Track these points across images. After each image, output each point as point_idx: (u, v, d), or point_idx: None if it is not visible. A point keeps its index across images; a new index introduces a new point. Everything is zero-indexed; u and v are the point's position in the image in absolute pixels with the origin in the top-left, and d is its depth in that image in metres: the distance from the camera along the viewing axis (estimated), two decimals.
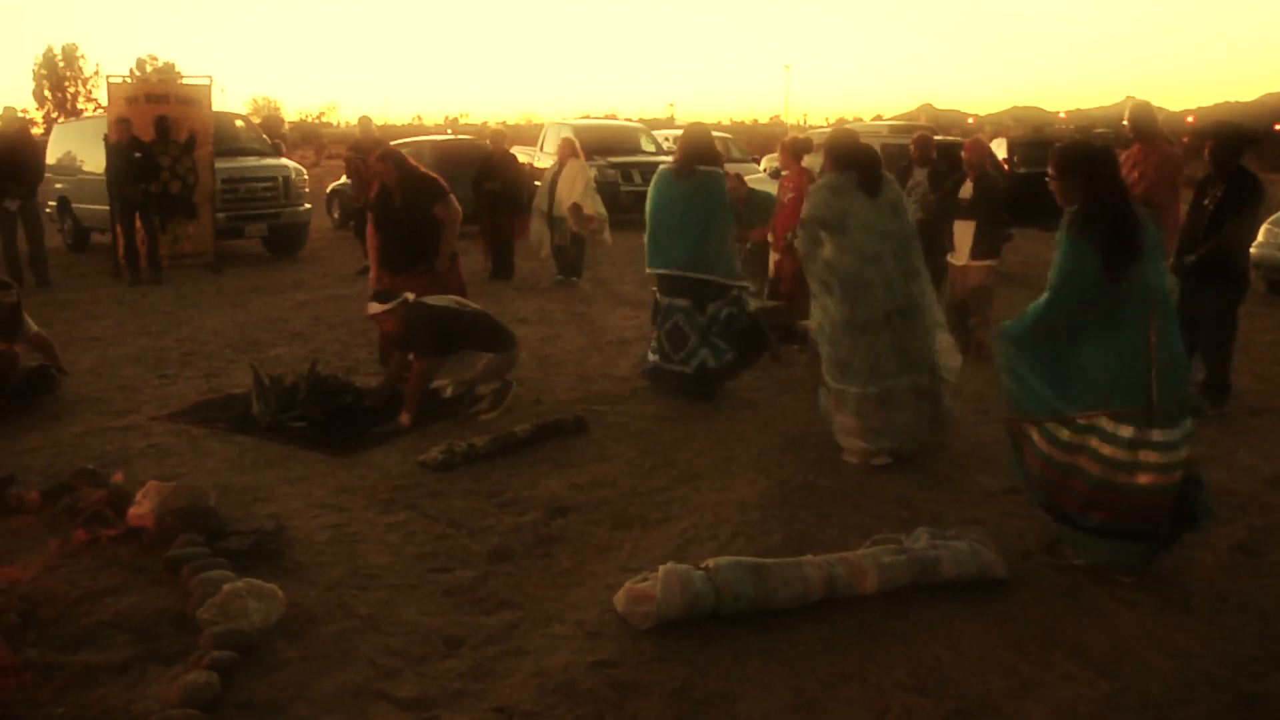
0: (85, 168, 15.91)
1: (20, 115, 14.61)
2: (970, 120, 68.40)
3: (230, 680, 3.71)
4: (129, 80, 16.28)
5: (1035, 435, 4.80)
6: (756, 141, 40.01)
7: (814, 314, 6.51)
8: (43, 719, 3.51)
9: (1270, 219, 12.65)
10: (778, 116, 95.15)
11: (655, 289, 7.84)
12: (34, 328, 7.92)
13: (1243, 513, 5.62)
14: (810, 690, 3.78)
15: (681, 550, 4.90)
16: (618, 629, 4.20)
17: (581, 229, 13.10)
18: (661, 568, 4.30)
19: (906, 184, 9.94)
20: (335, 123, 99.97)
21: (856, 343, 6.23)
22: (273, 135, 19.35)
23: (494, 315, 7.50)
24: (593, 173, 14.20)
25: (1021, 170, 17.46)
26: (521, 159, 16.09)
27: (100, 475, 5.73)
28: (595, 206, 13.03)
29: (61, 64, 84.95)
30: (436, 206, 7.84)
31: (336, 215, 19.91)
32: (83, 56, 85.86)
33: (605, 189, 15.45)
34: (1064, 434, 4.72)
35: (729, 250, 7.72)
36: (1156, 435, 4.57)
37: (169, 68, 71.43)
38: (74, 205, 16.36)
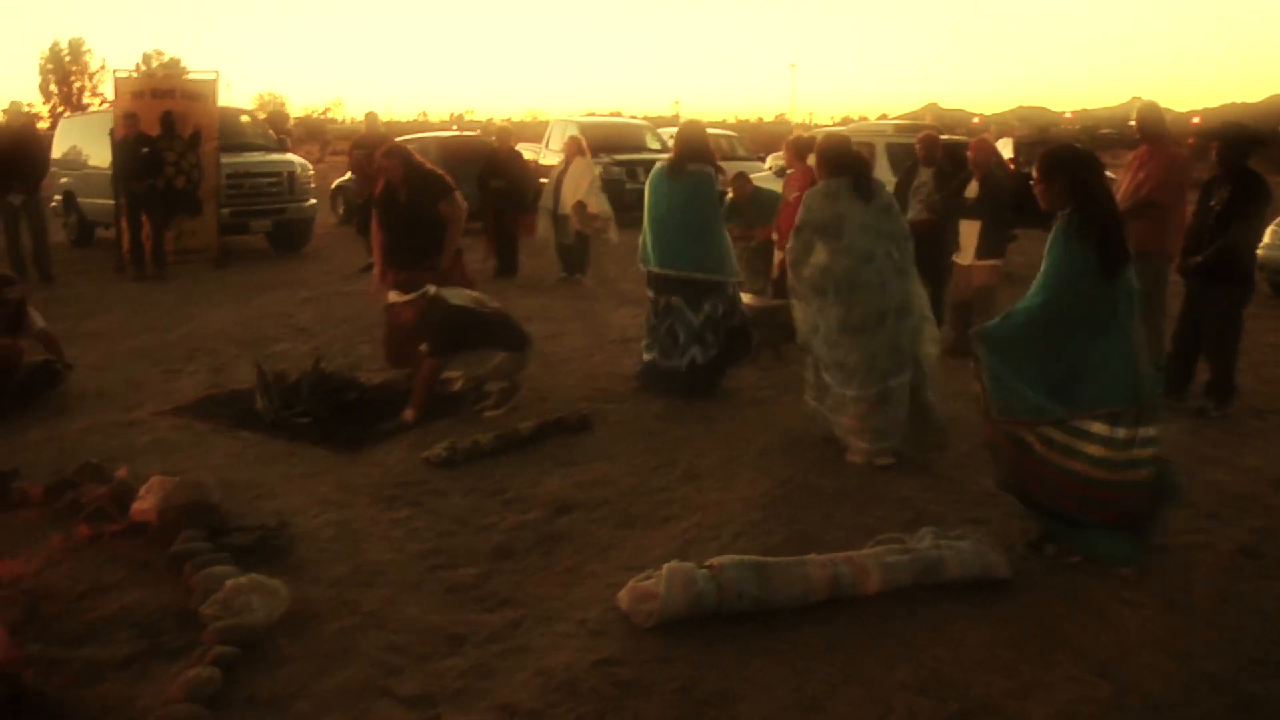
0: (91, 162, 15.92)
1: (25, 110, 14.59)
2: (975, 120, 68.27)
3: (233, 676, 3.72)
4: (135, 75, 16.28)
5: (1030, 437, 4.80)
6: (761, 140, 40.00)
7: (801, 323, 6.53)
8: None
9: (1276, 220, 12.63)
10: (783, 115, 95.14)
11: (648, 288, 7.86)
12: (39, 323, 7.93)
13: (1246, 515, 5.62)
14: (812, 690, 3.78)
15: (684, 549, 4.89)
16: (620, 627, 4.20)
17: (586, 227, 13.09)
18: (665, 566, 4.30)
19: (912, 183, 9.95)
20: (340, 119, 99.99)
21: (854, 344, 6.26)
22: (278, 131, 19.35)
23: (511, 316, 7.51)
24: (598, 170, 14.19)
25: (1027, 170, 17.41)
26: (527, 156, 16.08)
27: (104, 470, 5.74)
28: (600, 204, 13.01)
29: (68, 58, 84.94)
30: (441, 203, 7.84)
31: (341, 211, 19.92)
32: (89, 51, 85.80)
33: (611, 187, 15.44)
34: (1058, 436, 4.74)
35: (722, 247, 7.76)
36: (1146, 432, 4.69)
37: (175, 63, 71.34)
38: (79, 200, 16.37)
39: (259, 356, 8.14)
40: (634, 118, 32.79)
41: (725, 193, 12.22)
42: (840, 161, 6.52)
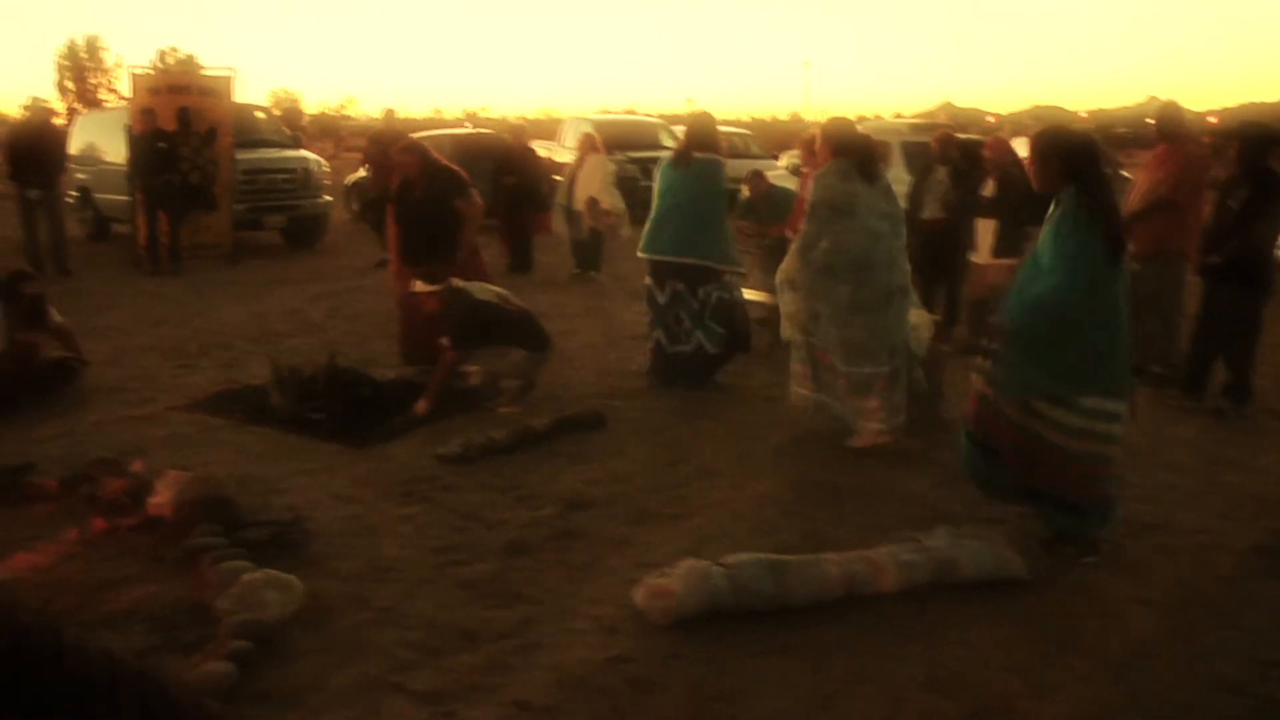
0: (107, 158, 15.95)
1: (45, 106, 14.65)
2: (990, 119, 67.98)
3: (248, 671, 3.72)
4: (152, 72, 16.33)
5: (1039, 414, 4.80)
6: (775, 138, 39.86)
7: (796, 313, 6.52)
8: None
9: None
10: (796, 113, 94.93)
11: (649, 276, 7.93)
12: (56, 318, 7.96)
13: (1262, 515, 5.59)
14: (827, 688, 3.77)
15: (698, 547, 4.88)
16: (634, 624, 4.19)
17: (599, 223, 13.07)
18: (681, 564, 4.30)
19: (928, 181, 9.90)
20: (354, 116, 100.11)
21: (866, 322, 6.40)
22: (292, 128, 19.38)
23: (534, 316, 7.51)
24: (612, 167, 14.16)
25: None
26: (541, 153, 16.06)
27: (119, 464, 5.75)
28: (613, 201, 12.99)
29: (84, 55, 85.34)
30: (457, 200, 7.84)
31: (355, 208, 19.93)
32: (105, 48, 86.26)
33: (625, 184, 15.40)
34: (1071, 418, 4.76)
35: (724, 236, 7.83)
36: (1118, 407, 4.82)
37: (190, 59, 71.52)
38: (95, 195, 16.41)
39: (273, 352, 8.15)
40: (647, 115, 32.76)
41: (739, 189, 12.24)
42: (846, 142, 6.62)
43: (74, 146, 16.69)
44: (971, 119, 61.82)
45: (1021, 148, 20.76)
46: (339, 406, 6.85)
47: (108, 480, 5.49)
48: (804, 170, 10.09)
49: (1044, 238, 4.88)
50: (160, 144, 13.26)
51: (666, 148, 21.03)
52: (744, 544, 4.86)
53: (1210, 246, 7.43)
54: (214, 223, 14.50)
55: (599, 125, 19.21)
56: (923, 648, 4.08)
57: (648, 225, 7.94)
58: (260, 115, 17.60)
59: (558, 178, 13.98)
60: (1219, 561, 4.97)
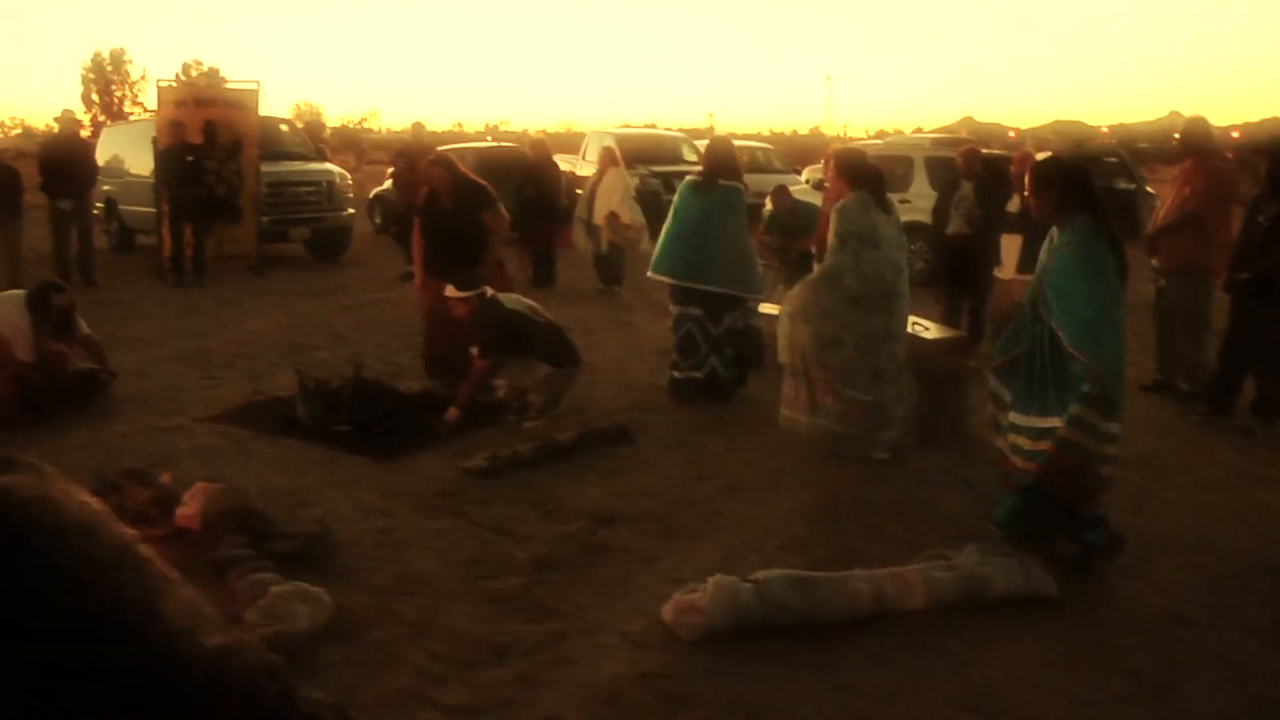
0: (132, 170, 16.07)
1: (74, 117, 14.76)
2: (1011, 134, 67.88)
3: None
4: (177, 84, 16.44)
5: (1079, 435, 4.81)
6: (796, 152, 39.86)
7: (809, 338, 6.52)
8: None
9: None
10: (818, 128, 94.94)
11: (669, 298, 7.99)
12: (85, 329, 7.99)
13: None
14: (859, 706, 3.74)
15: (728, 562, 4.86)
16: (664, 640, 4.17)
17: (619, 237, 13.09)
18: (710, 579, 4.28)
19: (953, 197, 9.87)
20: (376, 129, 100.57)
21: (894, 350, 6.56)
22: (314, 140, 19.47)
23: (565, 331, 7.52)
24: (635, 182, 14.18)
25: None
26: (564, 167, 16.09)
27: (147, 475, 5.76)
28: (633, 215, 13.01)
29: (109, 68, 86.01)
30: (485, 213, 7.87)
31: (378, 220, 20.01)
32: (130, 61, 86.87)
33: (646, 198, 15.43)
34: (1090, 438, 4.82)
35: (747, 262, 7.89)
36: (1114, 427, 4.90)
37: (214, 72, 72.08)
38: (121, 207, 16.52)
39: (299, 364, 8.16)
40: (668, 129, 32.82)
41: (763, 205, 12.22)
42: (863, 174, 6.71)
43: (99, 159, 16.81)
44: (993, 133, 61.72)
45: None
46: (365, 419, 6.86)
47: (136, 491, 5.50)
48: (827, 185, 10.09)
49: (1067, 267, 4.91)
50: (187, 157, 13.34)
51: (689, 162, 21.17)
52: (773, 560, 4.84)
53: (1239, 263, 7.38)
54: (239, 235, 14.56)
55: (621, 139, 19.27)
56: (954, 665, 4.05)
57: (663, 244, 7.96)
58: (285, 128, 17.69)
59: (579, 191, 13.99)
60: (1256, 582, 4.92)
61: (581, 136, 25.10)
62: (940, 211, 10.00)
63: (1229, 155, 14.47)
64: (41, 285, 7.88)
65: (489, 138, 43.36)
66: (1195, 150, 8.26)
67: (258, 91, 15.10)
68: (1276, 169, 7.33)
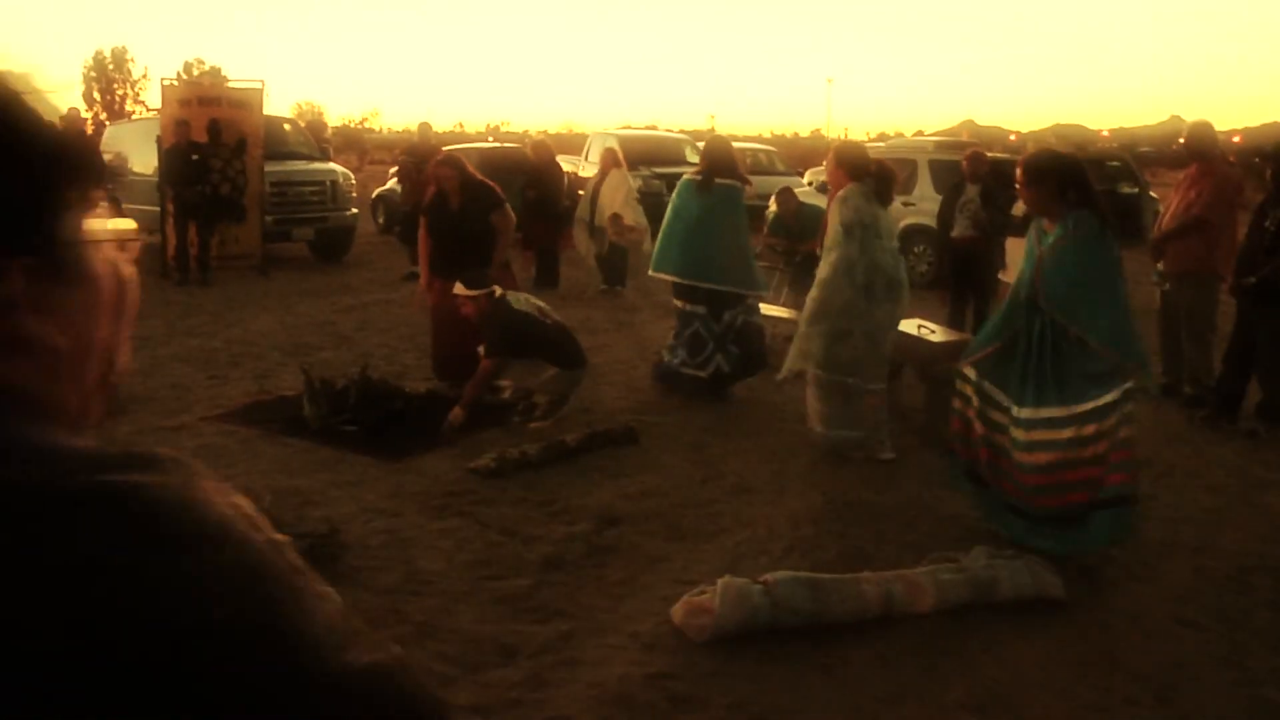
0: (134, 169, 16.07)
1: (78, 116, 14.77)
2: (1012, 137, 67.93)
3: None
4: (181, 83, 16.44)
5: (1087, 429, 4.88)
6: (797, 154, 39.90)
7: (827, 341, 6.52)
8: None
9: None
10: (819, 130, 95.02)
11: (674, 296, 8.10)
12: None
13: None
14: (869, 708, 3.75)
15: (735, 563, 4.87)
16: (673, 641, 4.18)
17: (621, 239, 13.08)
18: (720, 581, 4.28)
19: (958, 200, 9.88)
20: (378, 129, 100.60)
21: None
22: (317, 140, 19.47)
23: (572, 332, 7.54)
24: (637, 183, 14.18)
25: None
26: (566, 168, 16.08)
27: None
28: (636, 216, 13.00)
29: (111, 67, 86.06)
30: (493, 215, 7.88)
31: (381, 220, 20.01)
32: (131, 59, 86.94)
33: (650, 199, 15.42)
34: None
35: (747, 261, 7.99)
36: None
37: (215, 71, 72.18)
38: (123, 206, 16.51)
39: (304, 363, 8.17)
40: (669, 131, 32.82)
41: (766, 207, 12.23)
42: (863, 166, 6.81)
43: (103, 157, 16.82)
44: (994, 137, 61.77)
45: None
46: (372, 419, 6.86)
47: None
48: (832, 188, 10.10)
49: (1078, 264, 4.94)
50: (192, 155, 13.35)
51: (692, 163, 21.13)
52: (780, 562, 4.85)
53: (1245, 267, 7.39)
54: (243, 234, 14.56)
55: (624, 140, 19.26)
56: (962, 668, 4.06)
57: (662, 242, 8.09)
58: (289, 128, 17.69)
59: (581, 192, 13.99)
60: (1262, 584, 4.92)
61: (583, 137, 25.12)
62: (945, 214, 10.01)
63: (1230, 159, 14.46)
64: None
65: (490, 138, 43.35)
66: (1201, 155, 8.26)
67: (262, 90, 15.10)
68: None
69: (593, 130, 26.26)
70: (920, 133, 67.85)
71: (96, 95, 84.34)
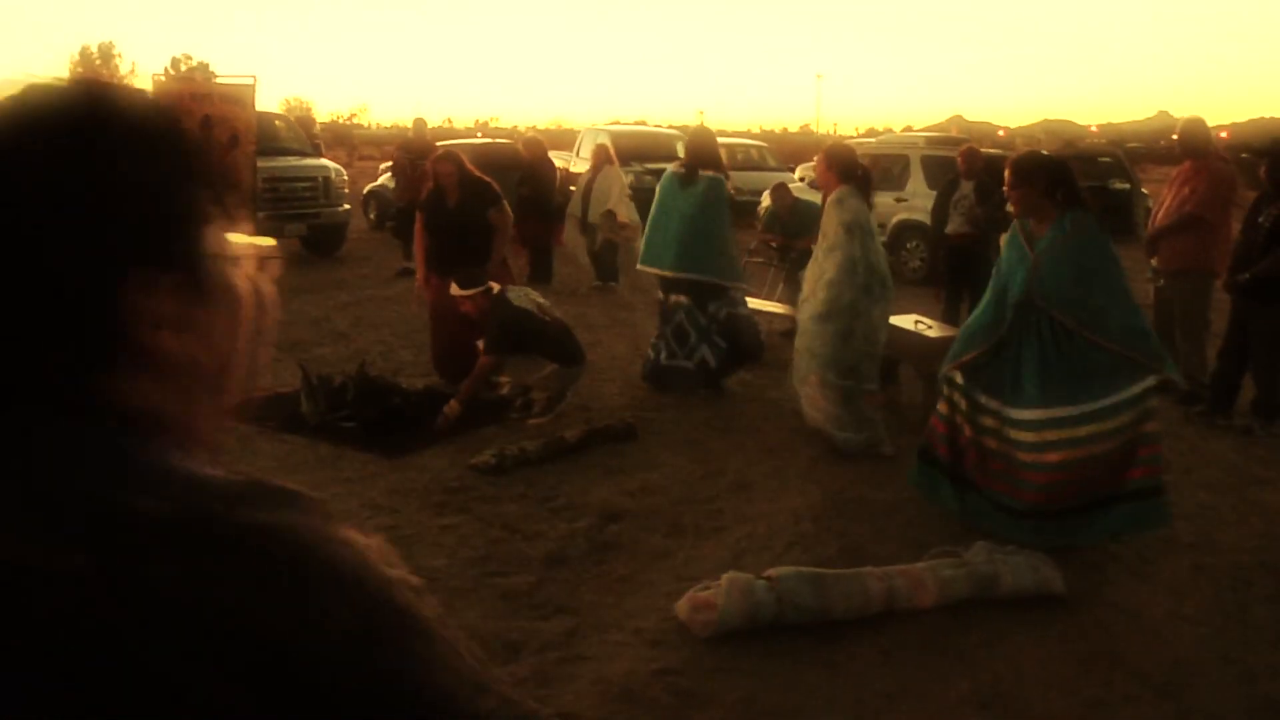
0: None
1: None
2: (1001, 133, 68.16)
3: None
4: (172, 79, 16.37)
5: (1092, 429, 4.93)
6: (787, 150, 39.89)
7: (849, 343, 6.59)
8: None
9: None
10: (808, 125, 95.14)
11: (659, 290, 8.18)
12: None
13: None
14: (874, 704, 3.77)
15: (737, 560, 4.88)
16: (677, 637, 4.20)
17: (615, 235, 13.09)
18: (724, 576, 4.30)
19: (953, 196, 9.91)
20: (366, 124, 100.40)
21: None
22: (307, 135, 19.42)
23: (571, 329, 7.56)
24: (629, 179, 14.18)
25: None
26: (557, 164, 16.06)
27: None
28: (629, 213, 13.01)
29: (98, 62, 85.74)
30: (491, 211, 7.88)
31: (373, 216, 19.98)
32: (119, 55, 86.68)
33: (642, 195, 15.41)
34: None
35: (730, 252, 8.04)
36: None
37: (204, 67, 71.93)
38: None
39: (302, 360, 8.15)
40: (658, 126, 32.80)
41: (758, 203, 12.24)
42: (853, 167, 6.95)
43: None
44: (982, 132, 61.95)
45: None
46: (370, 415, 6.86)
47: None
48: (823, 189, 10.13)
49: (1066, 259, 5.00)
50: None
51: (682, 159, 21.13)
52: (782, 558, 4.87)
53: (1240, 264, 7.42)
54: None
55: (615, 137, 19.25)
56: (964, 663, 4.08)
57: (645, 236, 8.23)
58: (281, 124, 17.64)
59: (572, 188, 13.99)
60: (1260, 581, 4.95)
61: (572, 133, 25.12)
62: (940, 211, 10.04)
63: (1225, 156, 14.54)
64: None
65: (479, 134, 43.32)
66: (1194, 152, 8.29)
67: (254, 86, 15.02)
68: (1277, 170, 7.37)
69: (583, 126, 26.23)
70: (909, 128, 67.98)
71: None
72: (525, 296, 7.34)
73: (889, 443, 6.56)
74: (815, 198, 11.25)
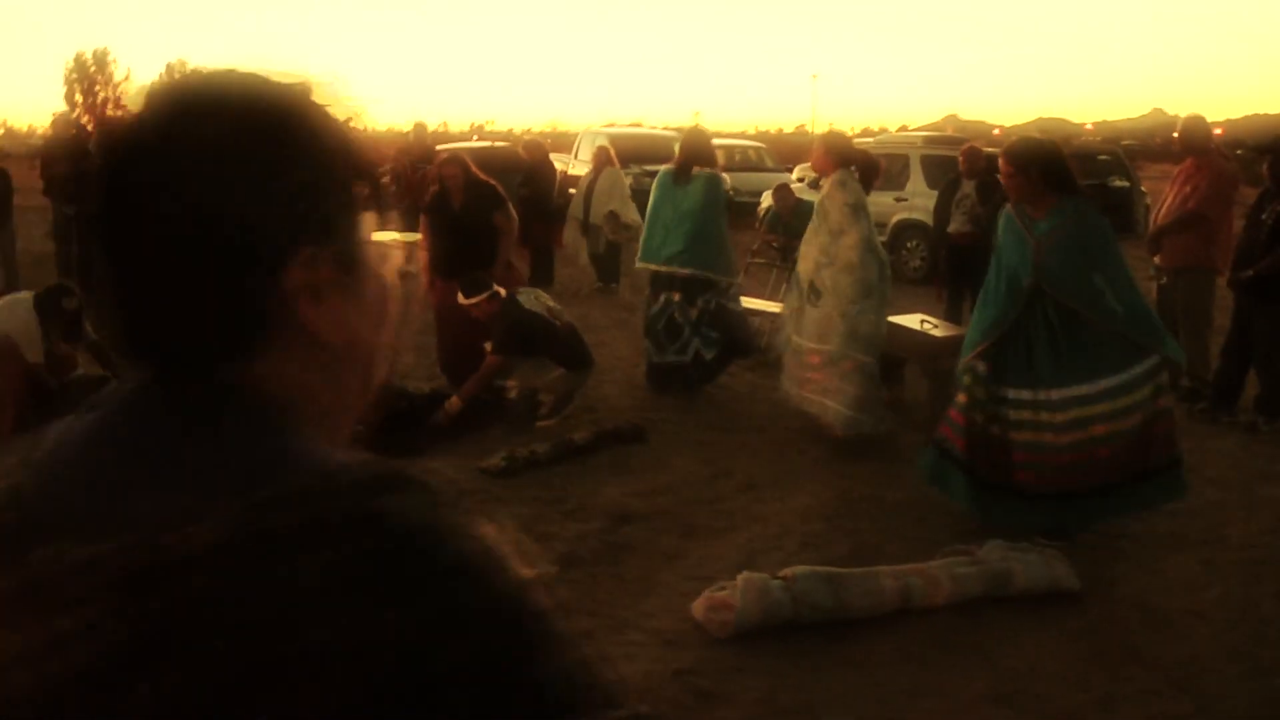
0: None
1: (72, 120, 14.73)
2: (996, 131, 68.12)
3: None
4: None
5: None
6: (784, 151, 39.91)
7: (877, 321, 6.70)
8: None
9: None
10: (803, 126, 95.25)
11: (651, 287, 8.26)
12: (91, 335, 7.98)
13: None
14: (894, 701, 3.80)
15: (750, 560, 4.90)
16: (694, 638, 4.22)
17: (618, 236, 13.10)
18: (740, 576, 4.32)
19: (955, 195, 9.91)
20: (362, 128, 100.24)
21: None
22: None
23: (580, 333, 7.59)
24: (629, 180, 14.19)
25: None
26: (557, 166, 16.08)
27: None
28: (632, 214, 13.02)
29: (93, 68, 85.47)
30: (496, 214, 7.90)
31: None
32: (114, 61, 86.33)
33: (641, 196, 15.42)
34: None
35: (727, 249, 8.18)
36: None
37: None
38: None
39: None
40: (653, 128, 32.81)
41: (757, 203, 12.26)
42: (852, 154, 7.12)
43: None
44: (978, 131, 61.97)
45: None
46: (377, 419, 6.84)
47: None
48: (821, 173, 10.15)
49: (1069, 244, 5.05)
50: None
51: None
52: (794, 557, 4.89)
53: (1243, 260, 7.45)
54: None
55: (614, 138, 19.25)
56: (981, 660, 4.11)
57: (643, 234, 8.32)
58: None
59: (572, 190, 14.00)
60: (1269, 576, 4.98)
61: (568, 135, 25.15)
62: (941, 210, 10.05)
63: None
64: (52, 288, 7.86)
65: (475, 137, 43.28)
66: (1196, 150, 8.31)
67: None
68: (1279, 167, 7.40)
69: (581, 128, 26.25)
70: (904, 127, 68.05)
71: (78, 97, 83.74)
72: (536, 299, 7.35)
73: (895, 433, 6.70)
74: (814, 198, 11.28)
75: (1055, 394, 5.02)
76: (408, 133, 17.29)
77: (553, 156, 18.19)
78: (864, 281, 6.64)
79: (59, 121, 13.99)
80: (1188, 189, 8.13)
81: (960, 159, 10.21)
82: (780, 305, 9.66)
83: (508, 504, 5.69)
